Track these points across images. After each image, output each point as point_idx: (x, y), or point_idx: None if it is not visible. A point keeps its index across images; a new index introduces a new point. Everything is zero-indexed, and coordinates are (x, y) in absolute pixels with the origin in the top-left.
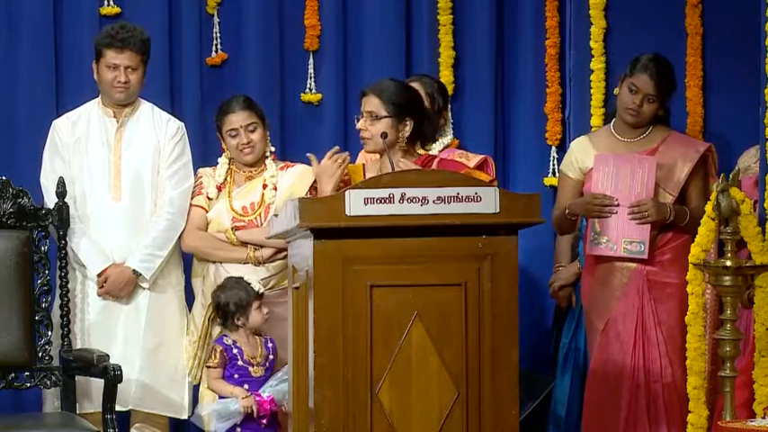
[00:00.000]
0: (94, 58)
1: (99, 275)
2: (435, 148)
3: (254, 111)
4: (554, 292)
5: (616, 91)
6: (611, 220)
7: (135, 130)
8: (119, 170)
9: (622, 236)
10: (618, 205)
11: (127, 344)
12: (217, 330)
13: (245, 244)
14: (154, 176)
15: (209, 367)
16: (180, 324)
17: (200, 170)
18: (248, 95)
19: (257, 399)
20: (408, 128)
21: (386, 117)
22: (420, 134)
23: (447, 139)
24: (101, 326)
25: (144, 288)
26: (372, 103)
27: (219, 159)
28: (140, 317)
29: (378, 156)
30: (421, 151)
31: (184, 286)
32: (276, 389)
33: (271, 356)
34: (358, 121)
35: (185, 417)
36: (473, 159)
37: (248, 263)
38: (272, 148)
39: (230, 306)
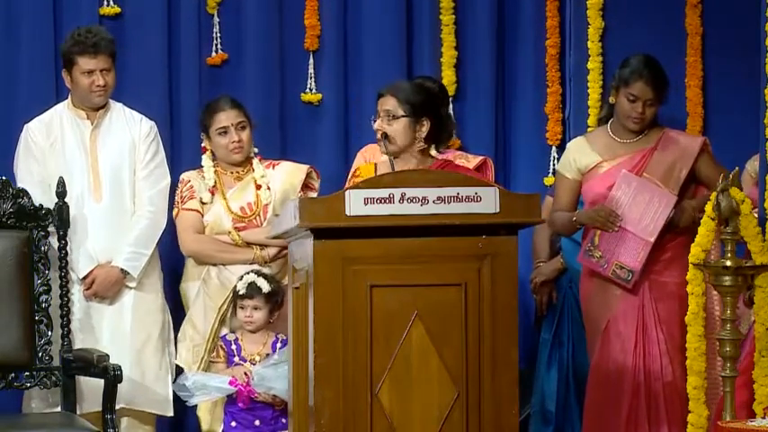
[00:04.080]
0: (64, 67)
1: (85, 277)
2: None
3: (242, 110)
4: (535, 288)
5: (611, 99)
6: (610, 239)
7: (109, 130)
8: (97, 171)
9: (616, 258)
10: (620, 226)
11: (113, 343)
12: (224, 332)
13: (248, 244)
14: (131, 175)
15: (213, 362)
16: (162, 322)
17: (186, 174)
18: (233, 96)
19: (235, 383)
20: (425, 128)
21: (403, 117)
22: (437, 135)
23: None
24: (86, 327)
25: (130, 287)
26: (390, 103)
27: (204, 162)
28: (125, 316)
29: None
30: (434, 153)
31: (163, 285)
32: (258, 371)
33: (276, 356)
34: (374, 122)
35: (170, 414)
36: (472, 161)
37: (255, 263)
38: (256, 150)
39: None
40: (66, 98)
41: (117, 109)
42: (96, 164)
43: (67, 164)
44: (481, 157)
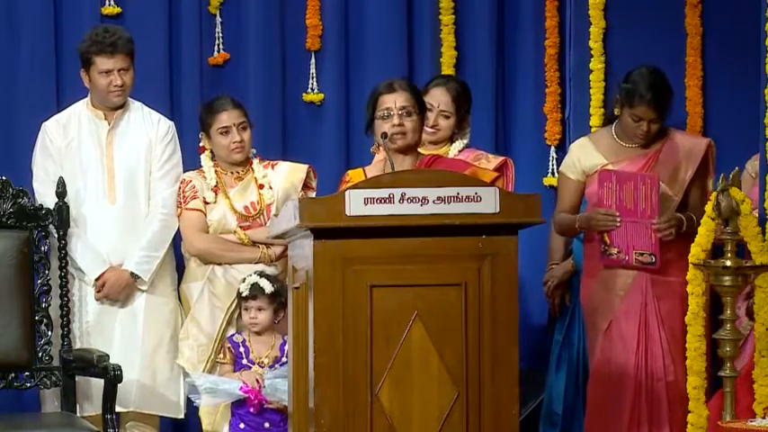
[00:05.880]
0: (82, 67)
1: (97, 280)
2: (455, 149)
3: (243, 110)
4: (549, 291)
5: (616, 111)
6: (620, 234)
7: (127, 131)
8: (112, 173)
9: (632, 248)
10: (621, 220)
11: (125, 346)
12: (230, 332)
13: (255, 243)
14: (147, 177)
15: (219, 363)
16: (175, 325)
17: (187, 174)
18: (233, 96)
19: (246, 390)
20: (422, 125)
21: (416, 114)
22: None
23: (466, 140)
24: (98, 329)
25: (142, 290)
26: (406, 99)
27: (203, 162)
28: (137, 319)
29: (380, 158)
30: (423, 151)
31: (176, 288)
32: (271, 383)
33: (284, 359)
34: (383, 120)
35: (182, 416)
36: (493, 161)
37: (261, 261)
38: (254, 150)
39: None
40: (86, 97)
41: (135, 109)
42: (112, 165)
43: (83, 164)
44: (502, 158)
